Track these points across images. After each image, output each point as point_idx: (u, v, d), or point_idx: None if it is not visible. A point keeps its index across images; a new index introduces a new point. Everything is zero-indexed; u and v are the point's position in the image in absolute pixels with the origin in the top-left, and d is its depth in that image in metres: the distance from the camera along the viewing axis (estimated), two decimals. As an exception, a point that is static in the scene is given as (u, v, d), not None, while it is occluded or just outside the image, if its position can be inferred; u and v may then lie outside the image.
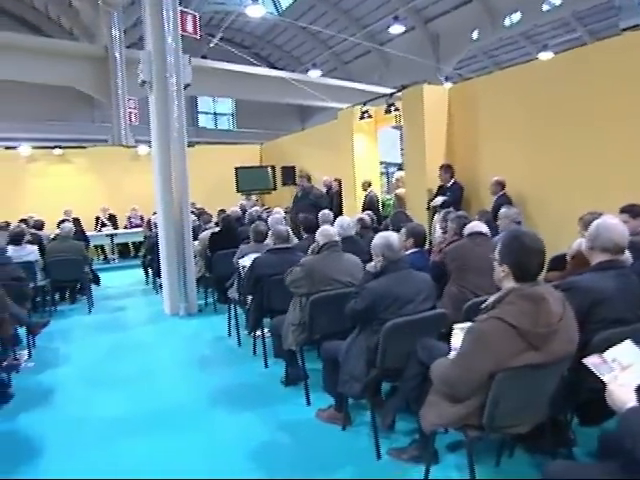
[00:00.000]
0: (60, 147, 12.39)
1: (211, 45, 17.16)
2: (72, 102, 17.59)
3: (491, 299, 2.18)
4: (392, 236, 2.98)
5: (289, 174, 12.34)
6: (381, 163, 11.30)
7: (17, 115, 16.19)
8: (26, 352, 5.03)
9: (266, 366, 4.45)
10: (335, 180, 9.99)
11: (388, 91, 9.39)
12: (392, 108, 8.54)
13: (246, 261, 4.72)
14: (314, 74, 20.35)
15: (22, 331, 4.97)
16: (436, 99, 7.15)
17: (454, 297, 3.62)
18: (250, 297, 4.59)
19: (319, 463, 2.91)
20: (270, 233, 4.36)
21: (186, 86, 6.67)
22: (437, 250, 4.56)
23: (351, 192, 9.67)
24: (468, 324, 2.62)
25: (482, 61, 22.38)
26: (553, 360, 2.05)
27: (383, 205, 9.35)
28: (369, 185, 9.03)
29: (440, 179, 6.80)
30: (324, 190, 10.14)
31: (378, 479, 2.73)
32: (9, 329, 4.24)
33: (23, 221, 7.90)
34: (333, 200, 9.87)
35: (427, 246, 4.69)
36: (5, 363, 4.17)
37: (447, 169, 6.77)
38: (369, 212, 6.82)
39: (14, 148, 12.02)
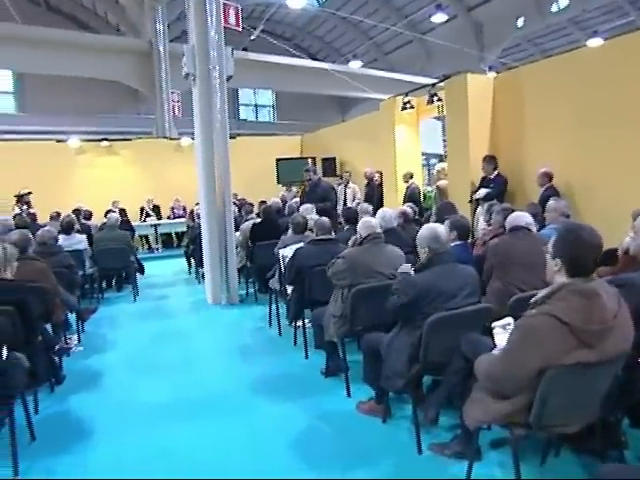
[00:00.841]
0: (107, 139, 12.78)
1: (252, 38, 17.27)
2: (118, 96, 18.04)
3: (540, 294, 2.11)
4: (439, 228, 2.93)
5: (330, 165, 12.33)
6: (422, 155, 11.16)
7: (67, 109, 16.74)
8: (76, 337, 5.23)
9: (306, 357, 4.48)
10: (377, 172, 9.91)
11: (430, 81, 9.23)
12: (435, 98, 8.40)
13: (287, 251, 4.77)
14: (355, 65, 20.19)
15: (72, 317, 5.18)
16: (480, 89, 6.99)
17: (498, 292, 3.54)
18: (291, 288, 4.62)
19: (359, 455, 2.90)
20: (312, 224, 4.37)
21: (229, 78, 6.73)
22: (480, 243, 4.47)
23: (392, 184, 9.58)
24: (508, 320, 2.57)
25: (527, 49, 21.68)
26: (607, 359, 1.98)
27: (424, 197, 9.22)
28: (411, 177, 8.92)
29: (483, 171, 6.65)
30: (365, 182, 10.10)
31: (421, 478, 2.70)
32: (60, 315, 4.41)
33: (75, 211, 8.17)
34: (375, 192, 9.80)
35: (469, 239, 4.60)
36: (57, 347, 4.33)
37: (490, 160, 6.61)
38: (411, 204, 6.73)
39: (64, 141, 12.44)
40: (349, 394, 3.66)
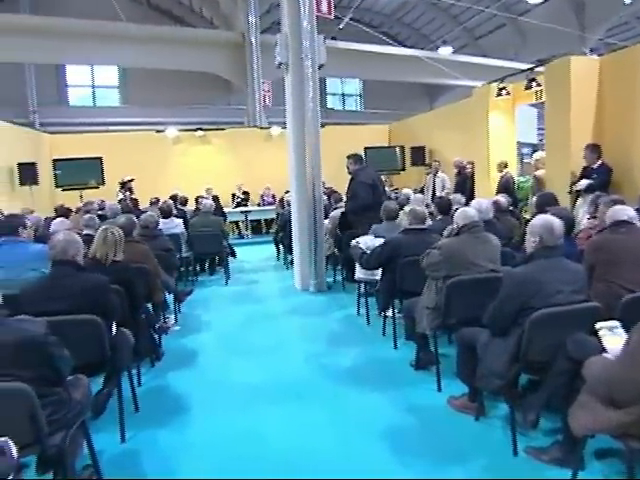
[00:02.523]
0: (201, 129, 13.33)
1: (340, 26, 17.20)
2: (211, 87, 18.70)
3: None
4: (555, 220, 2.75)
5: (419, 154, 12.08)
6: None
7: (165, 101, 17.64)
8: (173, 317, 5.51)
9: (395, 347, 4.42)
10: (469, 162, 9.57)
11: (524, 66, 8.75)
12: (533, 84, 7.95)
13: (367, 240, 4.77)
14: (445, 51, 19.59)
15: (170, 298, 5.44)
16: (585, 72, 6.52)
17: (601, 294, 3.19)
18: (379, 276, 4.59)
19: (450, 452, 2.82)
20: (407, 213, 4.29)
21: (320, 67, 6.75)
22: (584, 237, 4.18)
23: (484, 174, 9.23)
24: (614, 323, 2.37)
25: (635, 27, 19.91)
26: None
27: (518, 188, 8.79)
28: (505, 166, 8.54)
29: (585, 160, 6.20)
30: (455, 172, 9.79)
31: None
32: (160, 295, 4.66)
33: (172, 197, 8.60)
34: (466, 182, 9.49)
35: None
36: (157, 325, 4.59)
37: (594, 149, 6.14)
38: (505, 194, 6.44)
39: (162, 131, 13.13)
40: (440, 388, 3.56)
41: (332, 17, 7.90)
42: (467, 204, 5.82)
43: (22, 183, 10.38)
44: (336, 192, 8.66)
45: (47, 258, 3.39)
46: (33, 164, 10.55)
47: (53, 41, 12.02)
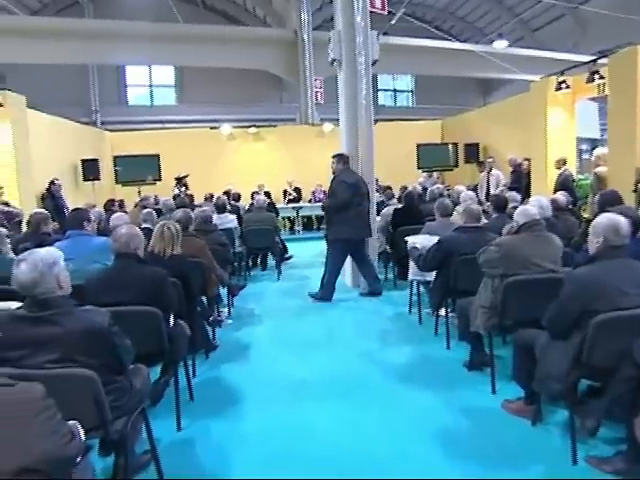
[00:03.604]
0: (255, 126, 13.54)
1: (392, 22, 16.98)
2: (264, 85, 18.91)
3: None
4: (621, 219, 2.63)
5: (472, 151, 11.85)
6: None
7: (219, 98, 17.97)
8: (226, 310, 5.63)
9: (448, 347, 4.35)
10: (525, 159, 9.29)
11: (584, 58, 8.39)
12: (596, 76, 7.62)
13: (422, 240, 4.73)
14: (500, 45, 18.98)
15: (223, 291, 5.57)
16: (654, 63, 6.19)
17: None
18: (432, 277, 4.52)
19: (505, 456, 2.75)
20: (461, 211, 4.21)
21: (373, 63, 6.70)
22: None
23: (541, 171, 8.94)
24: None
25: None
26: None
27: (577, 185, 8.46)
28: (564, 163, 8.24)
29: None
30: (510, 169, 9.53)
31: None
32: (215, 289, 4.77)
33: (225, 193, 8.79)
34: (521, 180, 9.22)
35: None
36: (211, 318, 4.70)
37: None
38: (563, 192, 6.20)
39: (217, 128, 13.41)
40: (494, 391, 3.47)
41: (386, 13, 7.83)
42: (522, 202, 5.67)
43: (85, 179, 10.89)
44: (389, 189, 8.61)
45: (109, 251, 3.54)
46: (95, 161, 11.04)
47: (114, 43, 12.47)
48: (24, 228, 6.14)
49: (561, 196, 5.55)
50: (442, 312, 4.57)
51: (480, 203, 6.52)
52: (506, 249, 3.32)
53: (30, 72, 14.48)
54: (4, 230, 3.92)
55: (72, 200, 9.40)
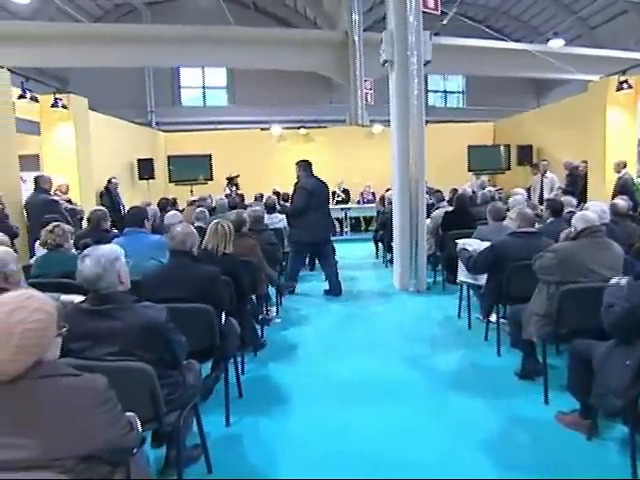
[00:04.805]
0: (305, 127, 13.65)
1: (444, 22, 16.72)
2: (313, 86, 19.01)
3: None
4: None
5: (526, 153, 11.54)
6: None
7: (270, 100, 18.20)
8: (274, 309, 5.68)
9: (499, 354, 4.24)
10: (582, 161, 8.96)
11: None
12: (662, 76, 7.28)
13: (473, 243, 4.65)
14: (556, 44, 18.37)
15: (272, 290, 5.62)
16: None
17: None
18: (483, 280, 4.42)
19: (558, 470, 2.64)
20: (515, 215, 4.10)
21: (426, 63, 6.63)
22: None
23: (599, 174, 8.60)
24: None
25: None
26: None
27: (637, 190, 8.10)
28: (624, 166, 7.89)
29: None
30: (566, 172, 9.21)
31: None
32: (264, 288, 4.84)
33: (275, 193, 8.90)
34: (577, 183, 8.90)
35: None
36: (260, 317, 4.76)
37: None
38: (623, 197, 5.93)
39: (267, 129, 13.60)
40: (547, 401, 3.36)
41: (439, 13, 7.72)
42: (578, 206, 5.48)
43: (140, 177, 11.28)
44: (438, 191, 8.50)
45: (164, 248, 3.66)
46: (150, 160, 11.42)
47: (169, 46, 12.84)
48: (84, 224, 6.43)
49: (621, 201, 5.31)
50: (493, 317, 4.46)
51: (533, 207, 6.33)
52: (563, 255, 3.22)
53: (90, 75, 15.11)
54: (68, 227, 4.09)
55: (128, 198, 9.76)
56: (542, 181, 9.70)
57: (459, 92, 25.06)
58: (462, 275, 4.95)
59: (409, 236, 6.48)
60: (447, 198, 8.36)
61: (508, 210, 5.01)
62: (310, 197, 6.17)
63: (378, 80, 13.18)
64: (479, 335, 4.68)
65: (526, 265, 3.53)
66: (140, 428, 1.90)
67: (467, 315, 5.10)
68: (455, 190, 8.11)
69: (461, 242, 4.81)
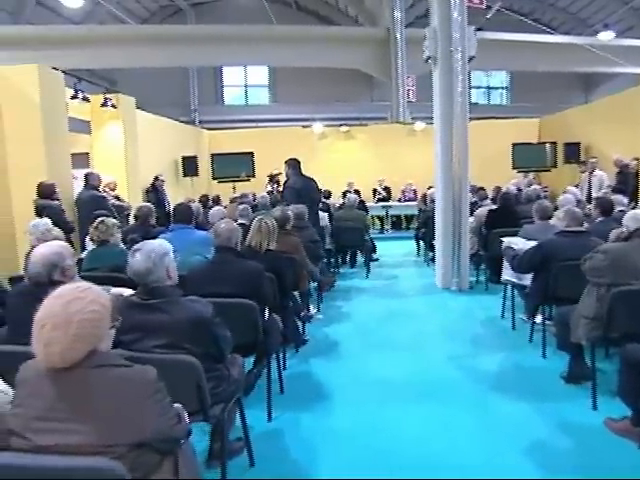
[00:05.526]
0: (346, 125, 13.66)
1: (488, 16, 16.37)
2: (354, 84, 18.97)
3: None
4: None
5: (573, 151, 11.17)
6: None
7: (311, 97, 18.27)
8: (315, 306, 5.71)
9: (544, 356, 4.13)
10: (634, 159, 8.62)
11: None
12: None
13: (518, 242, 4.55)
14: (606, 36, 17.69)
15: (312, 287, 5.65)
16: None
17: None
18: (528, 280, 4.32)
19: (608, 478, 2.56)
20: (562, 214, 3.99)
21: (470, 59, 6.52)
22: None
23: (653, 172, 8.26)
24: None
25: None
26: None
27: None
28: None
29: None
30: (616, 170, 8.87)
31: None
32: (306, 284, 4.87)
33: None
34: (628, 181, 8.56)
35: None
36: (302, 313, 4.80)
37: None
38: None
39: (309, 127, 13.68)
40: (595, 406, 3.25)
41: (484, 7, 7.59)
42: (629, 205, 5.28)
43: (185, 174, 11.54)
44: (482, 189, 8.35)
45: (209, 244, 3.73)
46: (194, 157, 11.68)
47: (212, 46, 13.08)
48: (131, 220, 6.62)
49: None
50: (538, 318, 4.36)
51: (581, 205, 6.13)
52: (615, 256, 3.11)
53: (137, 76, 15.55)
54: (113, 221, 4.23)
55: (172, 195, 9.99)
56: (590, 179, 9.39)
57: (503, 88, 24.53)
58: (506, 274, 4.85)
59: (452, 234, 6.41)
60: (490, 196, 8.20)
61: (556, 209, 4.89)
62: (299, 196, 6.18)
63: (420, 77, 13.05)
64: (524, 336, 4.58)
65: (574, 265, 3.42)
66: (187, 420, 1.94)
67: (511, 315, 5.00)
68: (499, 188, 7.95)
69: (506, 240, 4.72)
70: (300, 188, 6.27)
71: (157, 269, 2.31)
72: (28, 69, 6.08)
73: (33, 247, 3.52)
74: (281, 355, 3.88)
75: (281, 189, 10.34)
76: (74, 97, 7.47)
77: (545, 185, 10.78)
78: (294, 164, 6.51)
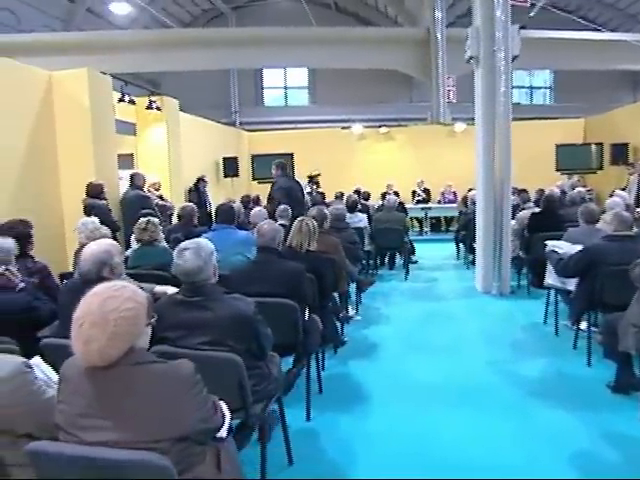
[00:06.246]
0: (385, 126, 13.61)
1: (532, 14, 16.00)
2: (393, 85, 18.87)
3: None
4: None
5: (620, 152, 10.80)
6: None
7: (350, 99, 18.29)
8: (354, 307, 5.70)
9: (589, 364, 4.01)
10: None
11: None
12: None
13: (563, 245, 4.43)
14: (656, 33, 17.04)
15: (351, 288, 5.62)
16: None
17: None
18: (573, 285, 4.21)
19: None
20: (611, 218, 3.87)
21: (514, 58, 6.40)
22: None
23: None
24: None
25: None
26: None
27: None
28: None
29: None
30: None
31: None
32: (345, 285, 4.88)
33: (356, 192, 8.94)
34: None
35: None
36: (340, 314, 4.81)
37: None
38: None
39: (348, 128, 13.71)
40: (645, 418, 3.14)
41: (528, 5, 7.44)
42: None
43: (225, 175, 11.74)
44: (524, 191, 8.17)
45: (251, 244, 3.79)
46: (235, 159, 11.87)
47: (253, 48, 13.27)
48: (174, 220, 6.78)
49: None
50: (583, 325, 4.24)
51: (629, 208, 5.91)
52: (667, 263, 3.00)
53: (179, 78, 15.89)
54: (156, 220, 4.34)
55: (213, 195, 10.16)
56: (639, 182, 9.06)
57: (546, 88, 23.96)
58: (550, 279, 4.73)
59: (493, 237, 6.31)
60: (533, 198, 8.02)
61: (603, 212, 4.74)
62: (288, 197, 6.22)
63: (460, 77, 12.88)
64: (567, 343, 4.46)
65: (622, 270, 3.31)
66: (228, 415, 1.97)
67: (554, 321, 4.87)
68: (542, 191, 7.76)
69: (550, 244, 4.61)
70: (288, 188, 6.39)
71: (207, 267, 2.37)
72: (79, 74, 6.28)
73: (82, 245, 3.67)
74: (320, 356, 3.89)
75: (320, 190, 10.44)
76: (121, 100, 7.69)
77: (590, 188, 10.46)
78: (282, 166, 6.67)
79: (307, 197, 7.47)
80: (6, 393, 1.67)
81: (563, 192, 8.11)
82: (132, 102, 8.03)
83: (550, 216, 5.96)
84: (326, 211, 4.86)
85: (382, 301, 6.30)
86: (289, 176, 6.84)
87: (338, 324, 4.65)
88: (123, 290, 1.59)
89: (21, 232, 3.66)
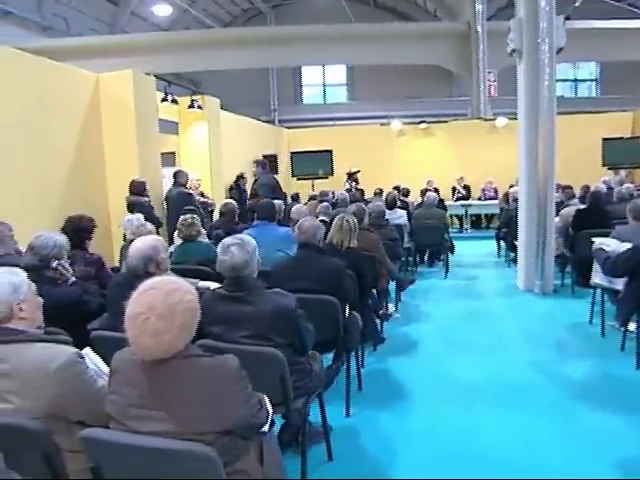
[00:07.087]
0: (425, 122, 13.47)
1: (577, 4, 15.49)
2: (433, 80, 18.65)
3: None
4: None
5: (672, 146, 10.36)
6: None
7: (389, 95, 18.21)
8: (394, 305, 5.69)
9: (638, 367, 3.88)
10: None
11: None
12: None
13: (611, 243, 4.29)
14: None
15: (391, 286, 5.60)
16: None
17: None
18: (621, 284, 4.07)
19: None
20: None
21: (559, 50, 6.22)
22: None
23: None
24: None
25: None
26: None
27: None
28: None
29: None
30: None
31: None
32: (385, 283, 4.88)
33: (395, 188, 8.88)
34: None
35: None
36: (380, 312, 4.81)
37: None
38: None
39: (387, 124, 13.64)
40: (697, 424, 3.02)
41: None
42: None
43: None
44: (569, 187, 7.94)
45: (291, 240, 3.83)
46: (275, 156, 11.97)
47: (292, 47, 13.36)
48: (215, 217, 6.91)
49: None
50: (632, 326, 4.09)
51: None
52: None
53: (219, 77, 16.13)
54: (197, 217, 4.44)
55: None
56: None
57: (592, 80, 23.20)
58: (597, 277, 4.58)
59: (536, 235, 6.16)
60: (578, 195, 7.78)
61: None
62: (273, 192, 6.34)
63: (502, 71, 12.62)
64: (614, 344, 4.32)
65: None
66: (271, 410, 2.01)
67: (600, 322, 4.72)
68: (587, 187, 7.51)
69: (597, 242, 4.46)
70: (272, 184, 6.69)
71: (252, 262, 2.42)
72: (124, 75, 6.48)
73: (129, 241, 3.80)
74: (360, 353, 3.90)
75: (360, 187, 10.42)
76: (164, 100, 7.88)
77: (639, 183, 10.07)
78: (263, 163, 7.10)
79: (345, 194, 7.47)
80: (60, 381, 1.73)
81: (609, 188, 7.86)
82: (175, 102, 8.22)
83: (596, 213, 5.78)
84: (365, 208, 4.86)
85: (421, 299, 6.25)
86: (269, 173, 7.25)
87: (377, 321, 4.65)
88: (180, 283, 1.62)
89: (85, 226, 3.88)
